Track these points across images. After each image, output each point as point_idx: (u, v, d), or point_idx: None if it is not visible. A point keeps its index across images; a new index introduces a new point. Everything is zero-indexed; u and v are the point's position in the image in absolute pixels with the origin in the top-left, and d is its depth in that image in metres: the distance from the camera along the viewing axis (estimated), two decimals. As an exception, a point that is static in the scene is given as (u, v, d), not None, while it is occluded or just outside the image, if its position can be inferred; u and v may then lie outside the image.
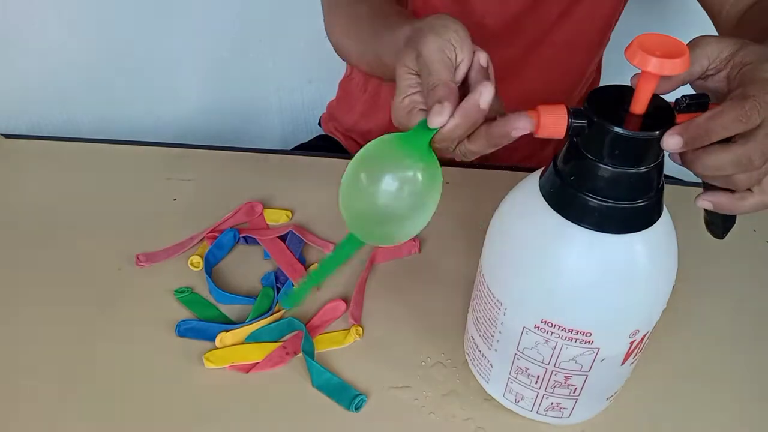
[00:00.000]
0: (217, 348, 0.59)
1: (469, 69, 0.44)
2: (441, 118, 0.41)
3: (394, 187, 0.42)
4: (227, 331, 0.60)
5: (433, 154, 0.43)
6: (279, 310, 0.62)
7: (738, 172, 0.40)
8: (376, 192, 0.43)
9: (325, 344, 0.60)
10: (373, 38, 0.57)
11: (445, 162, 0.46)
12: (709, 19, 0.75)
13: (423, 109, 0.43)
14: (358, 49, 0.63)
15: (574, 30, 0.79)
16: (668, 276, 0.45)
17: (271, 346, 0.59)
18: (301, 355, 0.59)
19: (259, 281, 0.66)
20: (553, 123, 0.41)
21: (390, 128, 0.47)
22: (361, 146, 0.44)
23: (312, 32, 0.80)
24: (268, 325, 0.60)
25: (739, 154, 0.39)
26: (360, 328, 0.61)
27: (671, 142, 0.39)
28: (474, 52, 0.44)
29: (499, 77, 0.44)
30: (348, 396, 0.55)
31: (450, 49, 0.43)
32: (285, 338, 0.60)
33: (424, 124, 0.42)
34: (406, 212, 0.43)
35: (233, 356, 0.58)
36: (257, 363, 0.58)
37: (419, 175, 0.42)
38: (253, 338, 0.60)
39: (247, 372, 0.57)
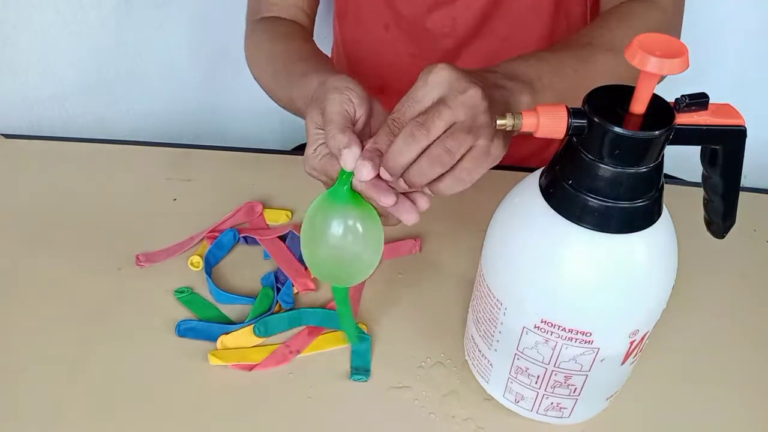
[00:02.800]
0: (218, 349, 0.59)
1: (368, 120, 0.50)
2: (351, 158, 0.46)
3: (338, 234, 0.48)
4: (228, 333, 0.59)
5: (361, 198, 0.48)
6: (279, 310, 0.62)
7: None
8: (325, 242, 0.49)
9: (327, 344, 0.60)
10: (287, 83, 0.63)
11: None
12: (708, 19, 0.75)
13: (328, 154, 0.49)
14: (274, 87, 0.68)
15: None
16: (668, 276, 0.45)
17: (274, 345, 0.59)
18: (303, 354, 0.59)
19: (259, 281, 0.66)
20: (553, 123, 0.41)
21: None
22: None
23: (321, 15, 0.81)
24: (279, 313, 0.61)
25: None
26: (363, 326, 0.61)
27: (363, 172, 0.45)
28: (371, 106, 0.50)
29: (461, 43, 0.48)
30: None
31: (350, 105, 0.49)
32: (289, 337, 0.60)
33: (342, 173, 0.47)
34: (356, 251, 0.49)
35: (237, 355, 0.58)
36: (260, 362, 0.58)
37: (352, 221, 0.48)
38: (263, 325, 0.60)
39: (250, 370, 0.57)
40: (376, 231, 0.49)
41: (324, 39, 0.95)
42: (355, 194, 0.47)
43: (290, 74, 0.63)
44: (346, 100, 0.48)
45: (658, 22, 0.64)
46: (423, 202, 0.49)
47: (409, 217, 0.48)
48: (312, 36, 0.79)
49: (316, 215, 0.49)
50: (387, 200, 0.46)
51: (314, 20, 0.81)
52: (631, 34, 0.60)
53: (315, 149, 0.49)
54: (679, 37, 0.68)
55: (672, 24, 0.67)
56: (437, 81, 0.45)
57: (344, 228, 0.48)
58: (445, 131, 0.44)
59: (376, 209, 0.48)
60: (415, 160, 0.45)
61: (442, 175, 0.46)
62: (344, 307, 0.54)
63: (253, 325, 0.60)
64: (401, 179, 0.46)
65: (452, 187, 0.47)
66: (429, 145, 0.44)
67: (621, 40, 0.59)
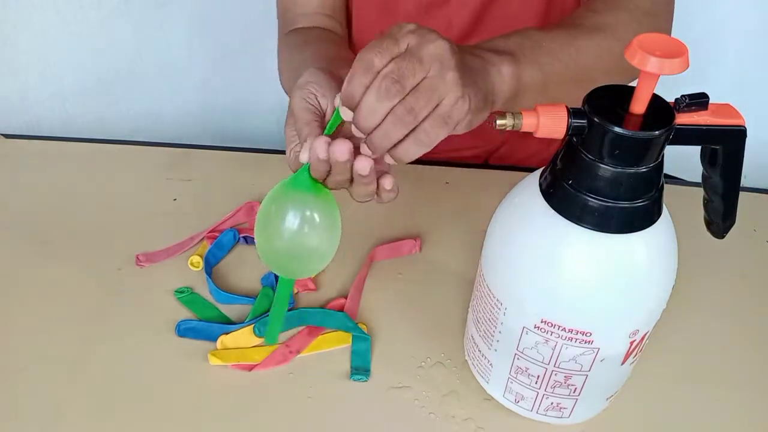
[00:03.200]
0: (218, 349, 0.59)
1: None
2: (304, 154, 0.47)
3: (294, 224, 0.47)
4: (228, 333, 0.59)
5: (324, 188, 0.49)
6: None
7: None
8: (281, 230, 0.48)
9: (328, 343, 0.60)
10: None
11: (445, 162, 0.47)
12: (708, 19, 0.75)
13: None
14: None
15: None
16: (668, 276, 0.45)
17: (274, 345, 0.59)
18: (303, 354, 0.59)
19: (259, 281, 0.66)
20: (553, 123, 0.41)
21: None
22: None
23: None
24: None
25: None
26: (363, 326, 0.61)
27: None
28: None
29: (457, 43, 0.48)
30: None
31: (312, 98, 0.49)
32: (289, 337, 0.60)
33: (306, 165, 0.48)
34: (312, 244, 0.49)
35: (237, 355, 0.58)
36: (260, 362, 0.58)
37: (310, 210, 0.48)
38: (263, 325, 0.60)
39: (250, 371, 0.57)
40: (334, 222, 0.49)
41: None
42: (316, 182, 0.48)
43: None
44: (307, 94, 0.49)
45: (645, 9, 0.62)
46: (387, 183, 0.49)
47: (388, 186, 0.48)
48: (344, 39, 0.78)
49: (272, 203, 0.48)
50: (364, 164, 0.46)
51: (344, 28, 0.80)
52: (620, 18, 0.59)
53: (290, 151, 0.50)
54: (669, 26, 0.67)
55: (661, 11, 0.65)
56: (409, 29, 0.43)
57: (301, 218, 0.47)
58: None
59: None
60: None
61: (404, 138, 0.44)
62: (282, 301, 0.52)
63: (253, 325, 0.60)
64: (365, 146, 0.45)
65: (411, 151, 0.45)
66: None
67: (607, 21, 0.58)
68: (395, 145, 0.44)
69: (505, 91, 0.50)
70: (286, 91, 0.69)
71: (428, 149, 0.45)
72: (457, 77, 0.43)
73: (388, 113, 0.43)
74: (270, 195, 0.49)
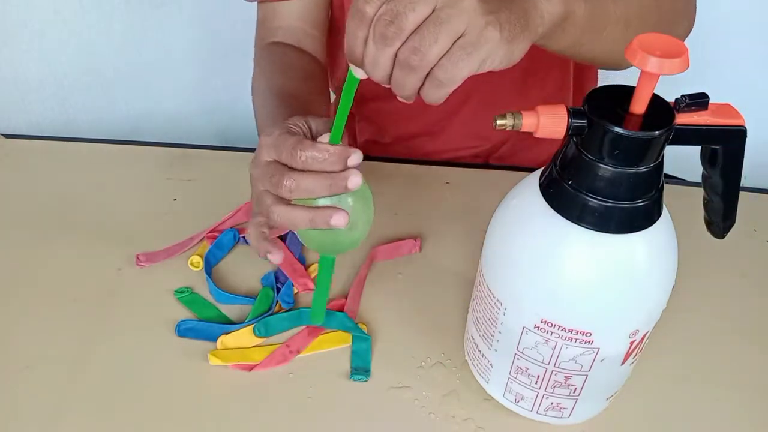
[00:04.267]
0: (218, 349, 0.59)
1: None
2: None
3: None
4: (228, 333, 0.59)
5: None
6: (279, 310, 0.62)
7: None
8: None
9: (328, 343, 0.60)
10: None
11: (445, 162, 0.46)
12: (708, 20, 0.74)
13: None
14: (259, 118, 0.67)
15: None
16: (668, 276, 0.45)
17: (274, 345, 0.59)
18: (303, 354, 0.59)
19: (259, 281, 0.66)
20: (553, 123, 0.41)
21: (390, 130, 0.49)
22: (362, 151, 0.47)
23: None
24: (279, 314, 0.61)
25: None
26: (363, 326, 0.61)
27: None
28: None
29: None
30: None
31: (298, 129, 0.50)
32: (289, 337, 0.60)
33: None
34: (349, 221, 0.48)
35: (237, 355, 0.58)
36: (260, 362, 0.58)
37: (346, 198, 0.48)
38: (263, 325, 0.60)
39: (250, 371, 0.57)
40: (367, 203, 0.49)
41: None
42: None
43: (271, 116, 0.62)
44: (291, 126, 0.49)
45: None
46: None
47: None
48: (319, 60, 0.77)
49: None
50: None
51: (325, 43, 0.79)
52: None
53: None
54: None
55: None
56: None
57: (338, 199, 0.48)
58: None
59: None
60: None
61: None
62: (325, 279, 0.52)
63: (253, 325, 0.60)
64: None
65: (431, 95, 0.40)
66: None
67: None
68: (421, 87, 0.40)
69: (554, 14, 0.43)
70: (256, 118, 0.68)
71: (452, 86, 0.39)
72: (478, 4, 0.37)
73: (395, 59, 0.38)
74: None
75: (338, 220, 0.46)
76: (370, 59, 0.39)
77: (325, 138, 0.48)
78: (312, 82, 0.71)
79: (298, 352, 0.59)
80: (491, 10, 0.38)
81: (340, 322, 0.61)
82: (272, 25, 0.75)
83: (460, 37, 0.38)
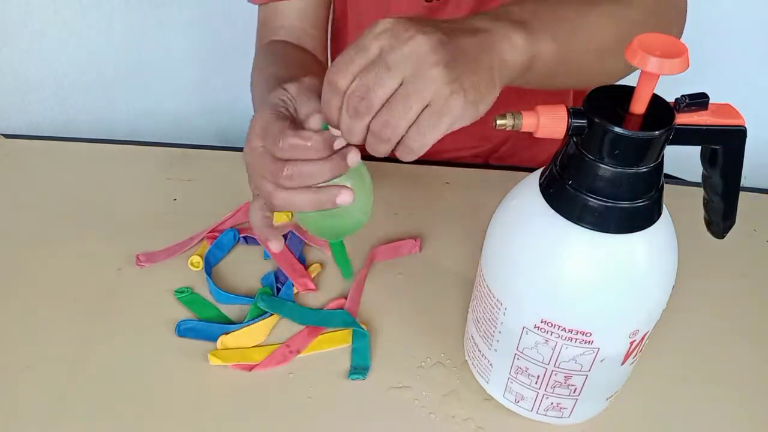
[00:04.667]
0: (218, 349, 0.59)
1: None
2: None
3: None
4: (228, 333, 0.59)
5: None
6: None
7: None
8: None
9: (328, 343, 0.60)
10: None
11: (445, 162, 0.46)
12: (708, 19, 0.74)
13: None
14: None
15: None
16: (668, 276, 0.45)
17: (274, 345, 0.59)
18: (303, 354, 0.59)
19: (259, 281, 0.66)
20: (553, 123, 0.41)
21: None
22: (362, 150, 0.47)
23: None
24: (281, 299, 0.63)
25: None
26: (364, 326, 0.60)
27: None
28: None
29: None
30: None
31: (283, 110, 0.49)
32: (288, 337, 0.60)
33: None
34: (347, 208, 0.48)
35: (237, 355, 0.58)
36: (260, 362, 0.58)
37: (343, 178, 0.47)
38: (265, 300, 0.61)
39: (250, 371, 0.57)
40: (365, 184, 0.49)
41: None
42: None
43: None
44: (278, 105, 0.48)
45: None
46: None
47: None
48: (319, 59, 0.77)
49: None
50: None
51: (326, 42, 0.79)
52: None
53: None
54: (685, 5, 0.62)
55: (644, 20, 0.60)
56: (383, 27, 0.40)
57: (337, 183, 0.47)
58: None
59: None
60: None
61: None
62: (343, 257, 0.57)
63: (253, 325, 0.60)
64: None
65: (406, 157, 0.42)
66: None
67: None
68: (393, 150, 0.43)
69: (518, 62, 0.45)
70: (253, 103, 0.68)
71: (422, 152, 0.42)
72: (443, 73, 0.39)
73: (368, 129, 0.41)
74: None
75: (344, 197, 0.46)
76: (345, 128, 0.42)
77: (314, 121, 0.47)
78: (305, 70, 0.71)
79: (298, 352, 0.59)
80: (455, 77, 0.40)
81: (340, 319, 0.61)
82: (273, 25, 0.76)
83: (427, 107, 0.40)
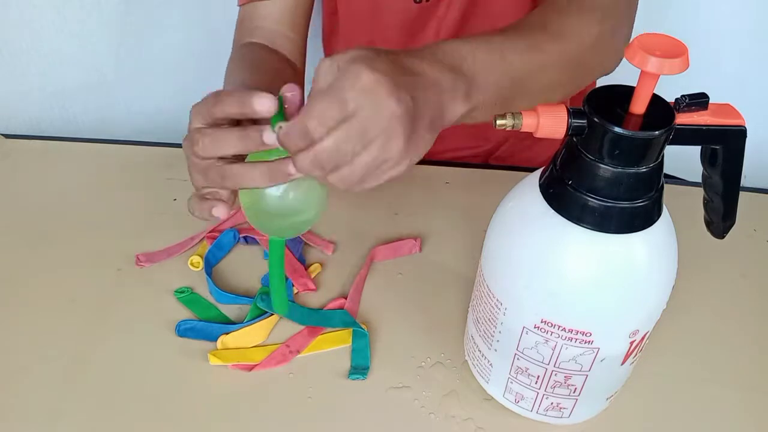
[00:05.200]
0: (218, 349, 0.59)
1: None
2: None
3: (279, 189, 0.45)
4: (228, 333, 0.59)
5: None
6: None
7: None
8: (266, 193, 0.45)
9: (328, 343, 0.60)
10: None
11: (445, 162, 0.46)
12: (708, 19, 0.74)
13: None
14: None
15: None
16: (668, 276, 0.45)
17: (275, 345, 0.59)
18: (303, 354, 0.59)
19: (259, 281, 0.66)
20: (553, 123, 0.41)
21: None
22: None
23: (312, 32, 0.80)
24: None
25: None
26: (364, 326, 0.60)
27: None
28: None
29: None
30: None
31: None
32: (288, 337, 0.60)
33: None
34: (298, 205, 0.46)
35: (237, 355, 0.58)
36: (260, 362, 0.58)
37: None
38: (264, 300, 0.60)
39: (250, 371, 0.57)
40: (315, 183, 0.46)
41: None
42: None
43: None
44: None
45: (606, 6, 0.59)
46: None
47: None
48: (293, 63, 0.75)
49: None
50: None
51: (303, 47, 0.77)
52: (583, 20, 0.56)
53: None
54: (630, 28, 0.64)
55: (622, 10, 0.63)
56: (359, 87, 0.40)
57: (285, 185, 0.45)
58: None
59: None
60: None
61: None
62: (277, 263, 0.49)
63: (253, 325, 0.60)
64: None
65: (338, 185, 0.44)
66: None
67: (571, 24, 0.56)
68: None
69: (457, 117, 0.47)
70: None
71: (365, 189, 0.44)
72: (402, 148, 0.42)
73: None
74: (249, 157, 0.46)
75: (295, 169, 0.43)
76: (299, 164, 0.41)
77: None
78: (279, 81, 0.69)
79: (298, 352, 0.59)
80: (411, 149, 0.43)
81: (339, 319, 0.61)
82: (250, 25, 0.75)
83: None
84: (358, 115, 0.40)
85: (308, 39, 0.81)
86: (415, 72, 0.43)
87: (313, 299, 0.64)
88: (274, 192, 0.45)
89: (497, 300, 0.48)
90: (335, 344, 0.60)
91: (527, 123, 0.42)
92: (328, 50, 0.90)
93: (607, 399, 0.53)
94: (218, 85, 0.66)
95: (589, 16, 0.57)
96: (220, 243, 0.68)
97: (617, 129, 0.39)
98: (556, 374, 0.48)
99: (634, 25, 0.65)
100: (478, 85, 0.47)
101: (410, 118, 0.41)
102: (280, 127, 0.41)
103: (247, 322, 0.61)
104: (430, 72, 0.44)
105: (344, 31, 0.83)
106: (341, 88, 0.40)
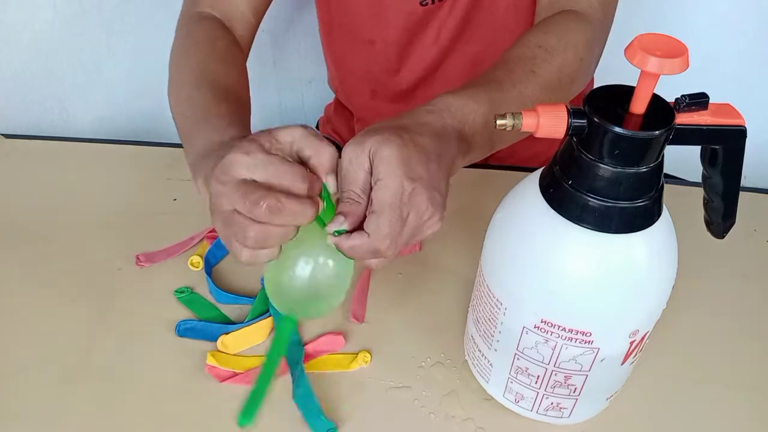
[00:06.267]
0: (218, 349, 0.59)
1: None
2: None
3: (308, 269, 0.45)
4: (228, 333, 0.59)
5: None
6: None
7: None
8: (293, 270, 0.45)
9: (329, 366, 0.58)
10: (195, 126, 0.59)
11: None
12: (708, 19, 0.74)
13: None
14: (182, 128, 0.63)
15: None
16: (668, 276, 0.45)
17: (257, 361, 0.58)
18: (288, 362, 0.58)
19: (259, 281, 0.66)
20: (553, 123, 0.41)
21: None
22: None
23: (312, 32, 0.80)
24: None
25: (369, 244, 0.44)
26: (368, 354, 0.59)
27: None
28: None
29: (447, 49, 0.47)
30: (321, 425, 0.53)
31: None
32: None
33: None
34: (325, 289, 0.47)
35: (233, 361, 0.58)
36: (236, 374, 0.57)
37: (323, 258, 0.46)
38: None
39: (222, 381, 0.56)
40: (348, 265, 0.47)
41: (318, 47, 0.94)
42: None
43: (200, 129, 0.58)
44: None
45: (587, 42, 0.63)
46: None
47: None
48: (244, 49, 0.73)
49: (299, 239, 0.44)
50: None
51: (254, 33, 0.76)
52: (567, 58, 0.60)
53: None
54: (600, 52, 0.69)
55: (597, 37, 0.66)
56: (405, 199, 0.44)
57: (314, 265, 0.45)
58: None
59: None
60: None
61: None
62: (281, 345, 0.46)
63: (253, 325, 0.60)
64: None
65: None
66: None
67: (557, 66, 0.59)
68: None
69: (459, 166, 0.52)
70: (171, 108, 0.64)
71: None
72: (437, 222, 0.47)
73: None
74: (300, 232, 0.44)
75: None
76: (365, 260, 0.46)
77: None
78: (234, 68, 0.67)
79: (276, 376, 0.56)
80: (440, 213, 0.47)
81: (310, 412, 0.55)
82: None
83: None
84: (409, 222, 0.45)
85: (306, 38, 0.81)
86: (436, 156, 0.47)
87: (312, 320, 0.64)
88: (302, 272, 0.45)
89: (497, 300, 0.48)
90: (338, 368, 0.58)
91: (527, 123, 0.42)
92: (330, 54, 0.90)
93: (607, 399, 0.53)
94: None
95: (571, 55, 0.61)
96: (220, 243, 0.68)
97: (617, 129, 0.39)
98: (556, 374, 0.48)
99: (635, 25, 0.66)
100: (476, 143, 0.52)
101: (442, 200, 0.47)
102: (337, 233, 0.44)
103: (247, 322, 0.61)
104: (446, 150, 0.49)
105: (343, 31, 0.83)
106: (395, 206, 0.44)
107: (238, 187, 0.42)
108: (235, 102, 0.61)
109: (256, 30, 0.76)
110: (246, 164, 0.42)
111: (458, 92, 0.52)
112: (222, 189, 0.43)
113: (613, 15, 0.69)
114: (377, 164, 0.44)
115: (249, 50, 0.75)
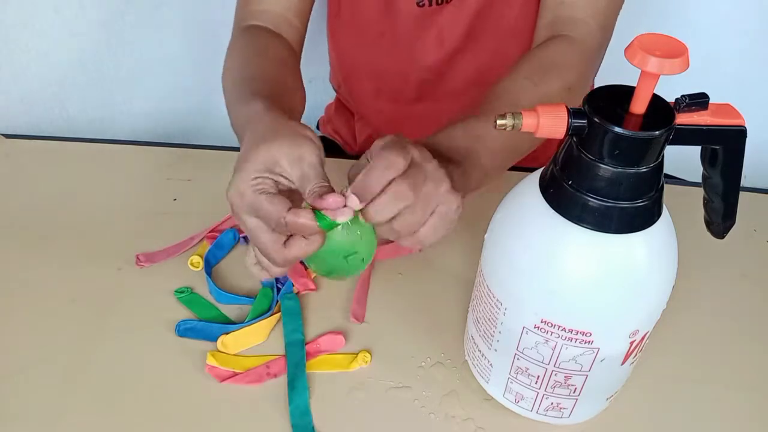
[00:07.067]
0: (218, 349, 0.59)
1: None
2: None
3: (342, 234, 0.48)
4: (228, 333, 0.59)
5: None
6: (279, 311, 0.62)
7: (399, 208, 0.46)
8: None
9: (329, 366, 0.58)
10: (238, 101, 0.60)
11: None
12: (708, 19, 0.74)
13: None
14: (231, 110, 0.62)
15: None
16: (668, 276, 0.45)
17: (270, 356, 0.59)
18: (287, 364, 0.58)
19: (259, 281, 0.66)
20: (553, 123, 0.41)
21: (387, 132, 0.50)
22: (360, 150, 0.47)
23: (312, 32, 0.80)
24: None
25: (394, 191, 0.45)
26: (368, 354, 0.59)
27: (351, 201, 0.45)
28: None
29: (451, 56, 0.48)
30: None
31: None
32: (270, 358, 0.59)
33: None
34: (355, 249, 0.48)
35: (233, 361, 0.58)
36: (236, 373, 0.57)
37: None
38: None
39: (222, 381, 0.56)
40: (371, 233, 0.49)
41: (317, 42, 0.94)
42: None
43: (243, 94, 0.59)
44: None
45: (579, 74, 0.65)
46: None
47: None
48: (296, 53, 0.76)
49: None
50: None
51: (304, 33, 0.78)
52: (559, 89, 0.62)
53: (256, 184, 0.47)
54: (595, 73, 0.70)
55: (593, 63, 0.67)
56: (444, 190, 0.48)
57: (348, 229, 0.47)
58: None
59: None
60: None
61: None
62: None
63: (253, 325, 0.60)
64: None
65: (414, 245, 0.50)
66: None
67: (552, 92, 0.61)
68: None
69: (474, 189, 0.56)
70: (227, 105, 0.64)
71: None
72: (456, 211, 0.49)
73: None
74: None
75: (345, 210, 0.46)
76: (379, 209, 0.45)
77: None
78: (285, 68, 0.70)
79: (275, 376, 0.57)
80: (458, 203, 0.49)
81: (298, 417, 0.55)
82: (257, 7, 0.74)
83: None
84: (438, 211, 0.48)
85: (307, 37, 0.80)
86: (458, 169, 0.52)
87: (314, 299, 0.64)
88: (338, 234, 0.47)
89: (497, 300, 0.48)
90: (338, 368, 0.58)
91: (527, 123, 0.42)
92: (334, 48, 0.90)
93: (607, 399, 0.53)
94: (217, 84, 0.66)
95: (562, 84, 0.62)
96: (220, 243, 0.68)
97: (617, 129, 0.39)
98: (556, 374, 0.48)
99: (635, 25, 0.66)
100: (489, 174, 0.57)
101: (449, 179, 0.49)
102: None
103: (247, 322, 0.61)
104: (474, 178, 0.54)
105: (351, 23, 0.83)
106: (390, 143, 0.46)
107: (244, 224, 0.47)
108: (282, 94, 0.62)
109: (305, 33, 0.78)
110: (240, 207, 0.46)
111: (440, 132, 0.56)
112: (234, 213, 0.48)
113: (612, 30, 0.70)
114: (372, 148, 0.47)
115: (300, 52, 0.78)
